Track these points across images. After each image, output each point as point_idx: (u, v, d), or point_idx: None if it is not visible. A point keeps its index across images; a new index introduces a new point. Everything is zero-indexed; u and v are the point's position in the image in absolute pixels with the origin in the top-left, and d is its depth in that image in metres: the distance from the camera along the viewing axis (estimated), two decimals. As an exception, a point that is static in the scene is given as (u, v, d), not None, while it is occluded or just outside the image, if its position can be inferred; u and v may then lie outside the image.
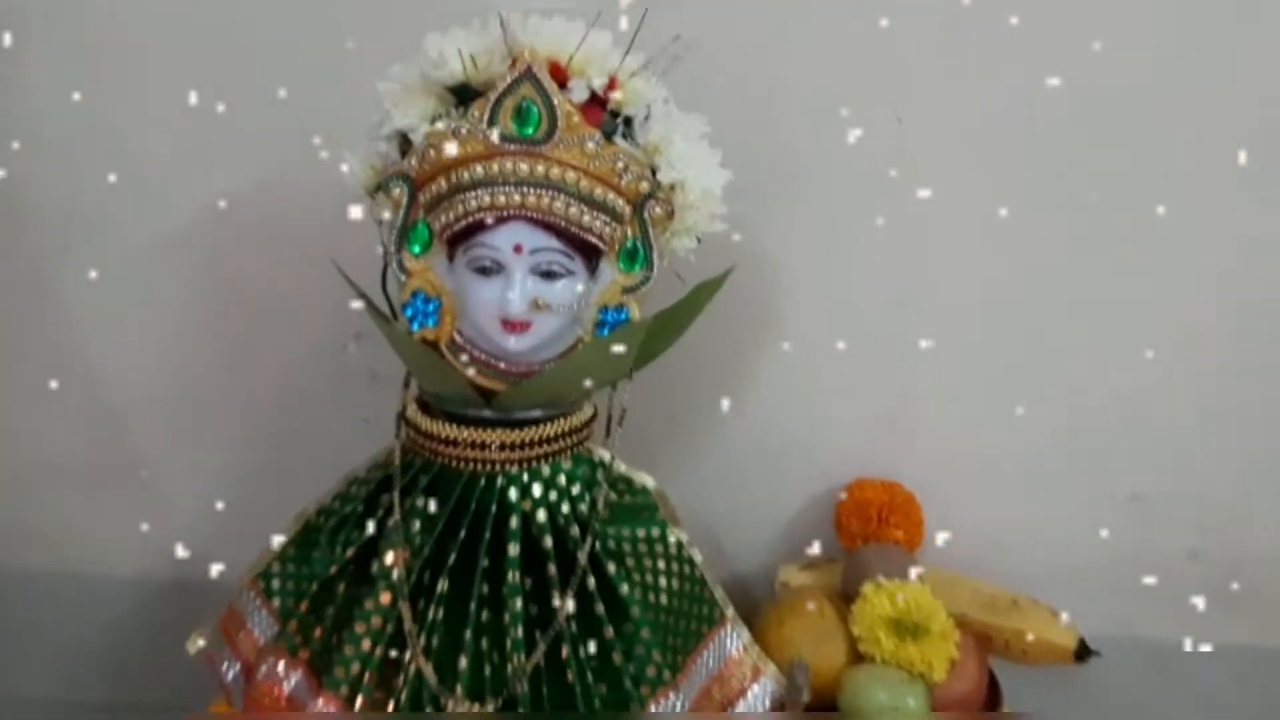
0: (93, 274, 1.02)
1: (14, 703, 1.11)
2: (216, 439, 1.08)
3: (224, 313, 1.05)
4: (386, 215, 0.75)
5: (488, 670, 0.74)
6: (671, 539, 0.81)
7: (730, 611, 0.84)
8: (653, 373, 0.80)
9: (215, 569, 0.87)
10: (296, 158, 0.90)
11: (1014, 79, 0.91)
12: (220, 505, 1.00)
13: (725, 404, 1.00)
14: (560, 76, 0.72)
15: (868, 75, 0.93)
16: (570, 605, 0.75)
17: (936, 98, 0.93)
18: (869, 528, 0.98)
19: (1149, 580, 0.97)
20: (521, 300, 0.72)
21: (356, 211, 0.76)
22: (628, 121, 0.75)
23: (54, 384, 1.04)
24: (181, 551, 0.94)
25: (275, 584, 0.83)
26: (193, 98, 0.94)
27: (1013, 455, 1.01)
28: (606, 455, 0.80)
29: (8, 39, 0.96)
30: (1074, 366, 0.98)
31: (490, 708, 0.73)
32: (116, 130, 1.00)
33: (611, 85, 0.74)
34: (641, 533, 0.79)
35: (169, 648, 0.87)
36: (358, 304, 0.76)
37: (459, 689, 0.73)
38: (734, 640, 0.83)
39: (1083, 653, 0.94)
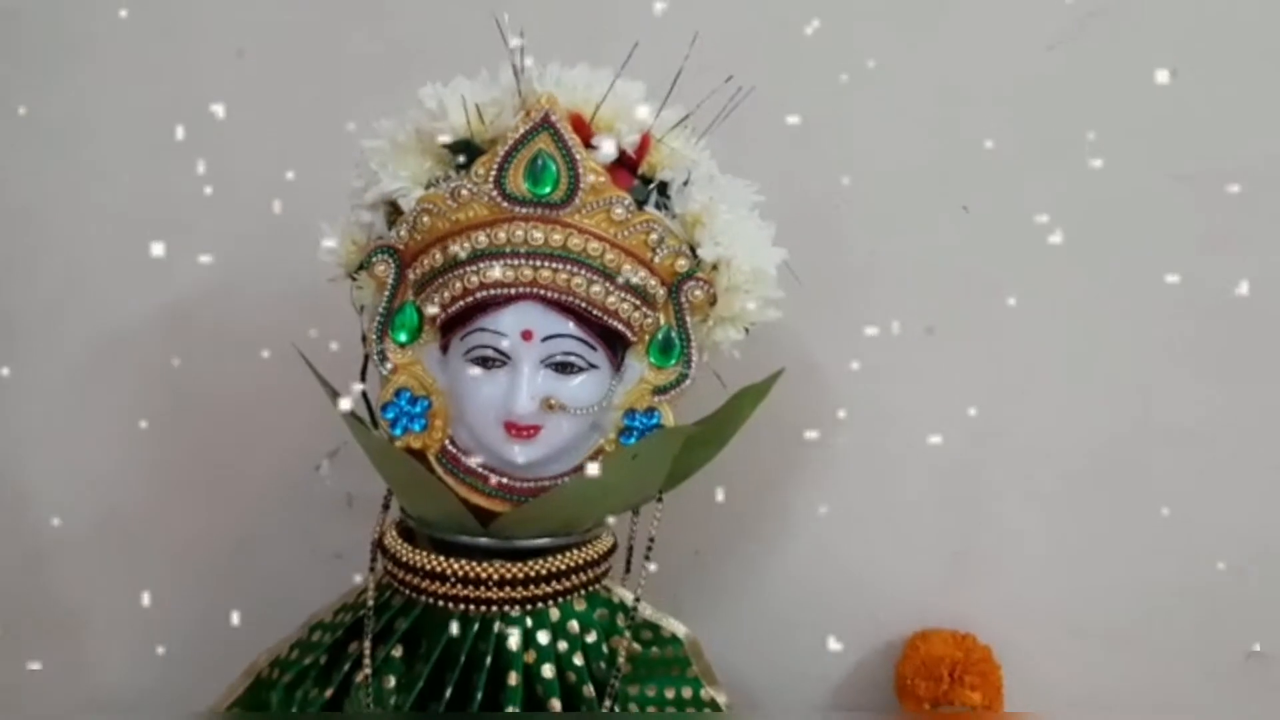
0: (4, 371, 0.94)
1: None
2: (156, 580, 0.95)
3: (169, 427, 0.95)
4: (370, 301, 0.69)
5: None
6: (706, 699, 0.72)
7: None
8: (676, 496, 0.72)
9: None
10: (260, 244, 0.86)
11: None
12: (160, 652, 0.92)
13: (764, 536, 0.92)
14: (584, 134, 0.65)
15: (939, 155, 0.87)
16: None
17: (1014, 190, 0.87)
18: (938, 689, 0.88)
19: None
20: (530, 399, 0.64)
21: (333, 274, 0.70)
22: (662, 189, 0.67)
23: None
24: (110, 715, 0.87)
25: (216, 756, 0.74)
26: (127, 177, 0.89)
27: (1108, 602, 0.91)
28: (629, 596, 0.72)
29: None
30: (1182, 502, 0.89)
31: None
32: (41, 213, 0.93)
33: (644, 145, 0.66)
34: (671, 693, 0.71)
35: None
36: (335, 410, 0.67)
37: None
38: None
39: None
